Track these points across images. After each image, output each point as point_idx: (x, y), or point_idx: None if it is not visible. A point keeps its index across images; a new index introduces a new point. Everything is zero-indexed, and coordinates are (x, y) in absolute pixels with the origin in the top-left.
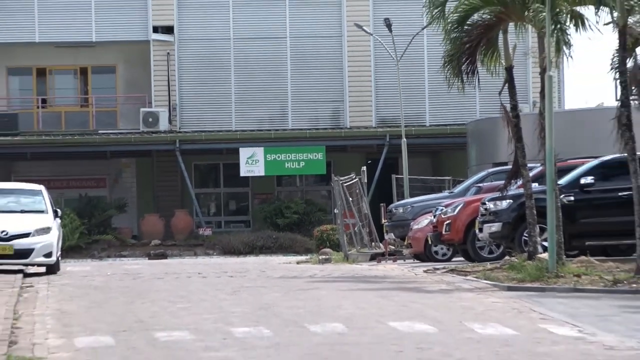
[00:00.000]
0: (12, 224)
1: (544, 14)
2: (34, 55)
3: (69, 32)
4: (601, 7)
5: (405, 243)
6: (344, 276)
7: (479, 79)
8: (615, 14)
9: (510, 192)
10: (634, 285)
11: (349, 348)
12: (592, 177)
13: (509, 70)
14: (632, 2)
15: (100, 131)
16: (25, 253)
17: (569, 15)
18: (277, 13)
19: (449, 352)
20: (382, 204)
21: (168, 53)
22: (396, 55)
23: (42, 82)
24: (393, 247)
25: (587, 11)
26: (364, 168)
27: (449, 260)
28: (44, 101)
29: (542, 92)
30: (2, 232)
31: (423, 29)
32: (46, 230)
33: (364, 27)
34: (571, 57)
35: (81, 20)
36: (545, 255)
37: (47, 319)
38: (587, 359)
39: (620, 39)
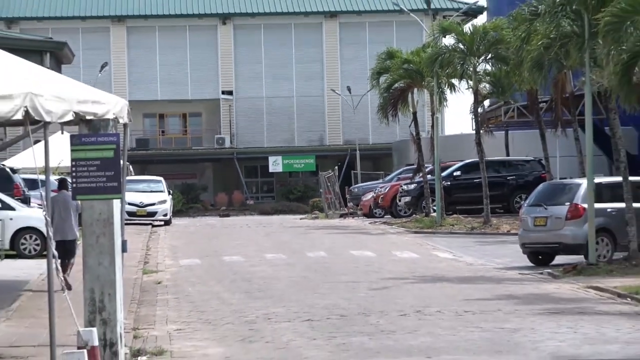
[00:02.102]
0: (145, 198)
1: (433, 83)
2: (157, 106)
3: (176, 92)
4: (464, 79)
5: (359, 208)
6: (326, 226)
7: (398, 118)
8: (471, 83)
9: (415, 180)
10: (482, 230)
11: (329, 265)
12: (459, 171)
13: (414, 114)
14: (480, 76)
15: (193, 148)
16: (152, 214)
17: (446, 84)
18: (288, 83)
19: (382, 266)
20: (346, 187)
21: (230, 105)
22: (353, 104)
23: (162, 121)
24: (352, 210)
25: (457, 81)
26: (336, 167)
27: (382, 217)
28: (162, 131)
29: (432, 126)
30: (140, 202)
31: (367, 92)
32: (164, 201)
33: (336, 91)
34: (447, 106)
35: (182, 86)
36: (434, 214)
37: (164, 249)
38: (457, 269)
39: (474, 96)
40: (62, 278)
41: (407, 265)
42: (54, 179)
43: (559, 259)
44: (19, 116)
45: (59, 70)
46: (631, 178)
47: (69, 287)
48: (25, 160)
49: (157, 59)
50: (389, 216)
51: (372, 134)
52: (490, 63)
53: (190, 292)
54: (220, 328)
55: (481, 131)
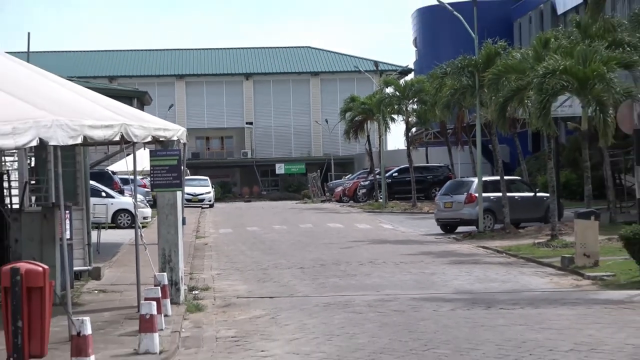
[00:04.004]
0: (197, 190)
1: (380, 117)
2: (204, 132)
3: (216, 122)
4: (399, 114)
5: (333, 196)
6: (313, 208)
7: (358, 139)
8: (404, 116)
9: (369, 178)
10: (411, 210)
11: (314, 232)
12: (397, 173)
13: (368, 136)
14: (409, 112)
15: (227, 158)
16: (201, 200)
17: (388, 117)
18: (288, 117)
19: (349, 233)
20: (325, 182)
21: (251, 131)
22: (329, 130)
23: (208, 141)
24: (329, 198)
25: (395, 116)
26: (318, 170)
27: (348, 202)
28: (208, 148)
29: (379, 144)
30: (194, 193)
31: (338, 122)
32: (209, 192)
33: (318, 122)
34: (390, 132)
35: (220, 119)
36: (381, 200)
37: (209, 223)
38: (395, 236)
39: (406, 125)
40: (144, 243)
41: (363, 232)
42: (139, 178)
43: (460, 229)
44: (117, 138)
45: (142, 109)
46: (505, 177)
47: None
48: (121, 166)
49: (205, 102)
50: (352, 202)
51: (341, 149)
52: (416, 104)
53: (226, 250)
54: (245, 273)
55: (410, 147)
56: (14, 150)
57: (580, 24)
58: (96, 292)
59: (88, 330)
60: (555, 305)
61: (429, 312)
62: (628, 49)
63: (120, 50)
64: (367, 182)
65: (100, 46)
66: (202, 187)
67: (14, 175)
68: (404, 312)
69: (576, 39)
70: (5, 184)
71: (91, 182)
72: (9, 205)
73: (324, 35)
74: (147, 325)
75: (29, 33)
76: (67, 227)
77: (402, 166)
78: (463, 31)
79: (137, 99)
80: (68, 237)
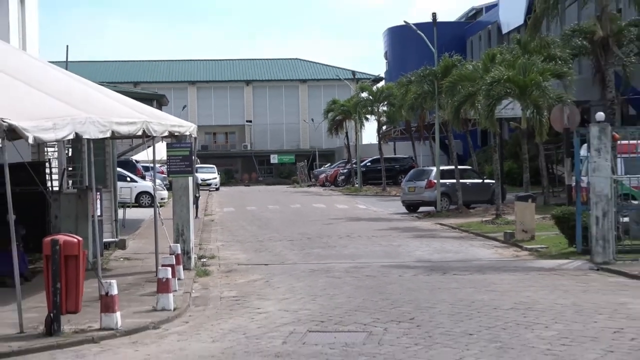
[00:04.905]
0: (205, 176)
1: (356, 117)
2: (212, 128)
3: (222, 120)
4: (372, 114)
5: (317, 182)
6: (301, 191)
7: (338, 135)
8: (376, 116)
9: (347, 167)
10: (382, 194)
11: (301, 211)
12: (370, 163)
13: (346, 133)
14: (380, 113)
15: (230, 150)
16: (209, 184)
17: (364, 116)
18: (280, 116)
19: (330, 213)
20: (311, 170)
21: (250, 128)
22: (314, 126)
23: (215, 136)
24: (314, 183)
25: (369, 116)
26: (305, 160)
27: (330, 187)
28: (215, 141)
29: (356, 139)
30: (203, 179)
31: (322, 121)
32: (215, 177)
33: (305, 120)
34: (364, 129)
35: (225, 117)
36: (357, 185)
37: (215, 203)
38: (368, 214)
39: (378, 124)
40: (161, 219)
41: (342, 211)
42: (158, 166)
43: (421, 209)
44: (139, 133)
45: (160, 109)
46: (459, 167)
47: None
48: (143, 156)
49: (212, 103)
50: (333, 186)
51: (324, 143)
52: (386, 106)
53: (229, 225)
54: (245, 244)
55: (381, 142)
56: (55, 142)
57: (521, 41)
58: (122, 259)
59: (115, 291)
60: (499, 271)
61: (395, 277)
62: (560, 62)
63: (143, 61)
64: (345, 170)
65: (126, 57)
66: (209, 173)
67: (55, 163)
68: (375, 277)
69: (517, 54)
70: (47, 170)
71: (118, 169)
72: (50, 188)
73: (311, 49)
74: (163, 287)
75: (67, 46)
76: (98, 206)
77: (374, 157)
78: (425, 47)
79: (156, 100)
80: (99, 214)
